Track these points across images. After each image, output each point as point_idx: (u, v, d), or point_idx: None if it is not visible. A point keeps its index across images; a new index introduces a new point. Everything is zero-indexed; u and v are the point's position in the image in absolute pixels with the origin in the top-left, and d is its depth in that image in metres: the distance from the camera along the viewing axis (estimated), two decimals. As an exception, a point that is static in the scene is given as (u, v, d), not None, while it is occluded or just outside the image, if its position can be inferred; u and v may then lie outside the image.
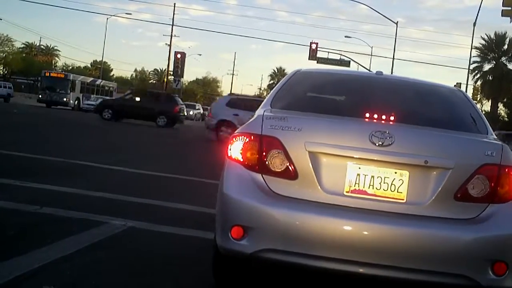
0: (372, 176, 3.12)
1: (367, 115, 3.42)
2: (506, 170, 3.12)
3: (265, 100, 3.93)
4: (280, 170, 3.16)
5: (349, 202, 3.10)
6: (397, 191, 3.10)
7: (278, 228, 3.03)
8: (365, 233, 3.00)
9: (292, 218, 3.04)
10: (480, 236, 3.01)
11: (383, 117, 3.41)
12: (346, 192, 3.12)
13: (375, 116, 3.41)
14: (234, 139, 3.33)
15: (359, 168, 3.13)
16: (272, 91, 4.03)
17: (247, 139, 3.25)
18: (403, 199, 3.10)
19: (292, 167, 3.15)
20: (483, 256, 2.99)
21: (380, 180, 3.11)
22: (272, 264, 3.24)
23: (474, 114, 3.87)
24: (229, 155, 3.33)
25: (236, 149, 3.28)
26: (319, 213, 3.05)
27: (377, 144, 3.09)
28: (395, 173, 3.11)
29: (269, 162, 3.18)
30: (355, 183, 3.12)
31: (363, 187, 3.12)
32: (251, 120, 3.47)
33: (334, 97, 4.12)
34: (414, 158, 3.09)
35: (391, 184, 3.11)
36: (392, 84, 4.37)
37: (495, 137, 3.59)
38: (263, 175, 3.18)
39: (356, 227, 3.01)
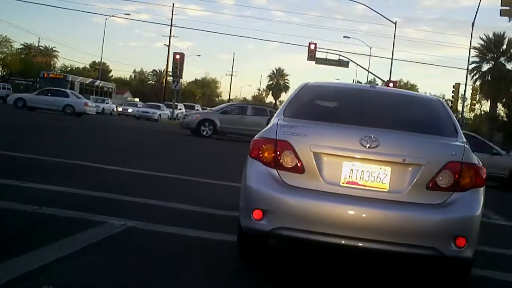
0: (362, 171, 3.94)
1: (359, 122, 4.22)
2: (467, 166, 3.94)
3: (279, 109, 4.73)
4: (291, 166, 3.98)
5: (344, 191, 3.92)
6: (382, 183, 3.92)
7: (289, 211, 3.86)
8: (357, 214, 3.80)
9: (300, 203, 3.86)
10: (446, 217, 3.83)
11: (372, 124, 4.17)
12: (342, 183, 3.94)
13: (365, 123, 4.19)
14: (254, 142, 4.16)
15: (352, 165, 3.95)
16: (284, 102, 4.91)
17: (265, 142, 4.06)
18: (386, 189, 3.91)
19: (300, 164, 3.96)
20: (448, 232, 3.81)
21: (368, 174, 3.93)
22: (284, 239, 4.13)
23: (448, 120, 4.64)
24: (250, 154, 4.14)
25: (256, 150, 4.10)
26: (321, 199, 3.87)
27: (366, 147, 3.90)
28: (380, 168, 3.93)
29: (282, 160, 4.00)
30: (349, 176, 3.94)
31: (355, 179, 3.94)
32: (268, 127, 4.33)
33: (334, 107, 5.01)
34: (395, 157, 3.91)
35: (377, 177, 3.92)
36: (381, 95, 5.20)
37: (464, 140, 4.30)
38: (278, 170, 4.00)
39: (350, 210, 3.82)
